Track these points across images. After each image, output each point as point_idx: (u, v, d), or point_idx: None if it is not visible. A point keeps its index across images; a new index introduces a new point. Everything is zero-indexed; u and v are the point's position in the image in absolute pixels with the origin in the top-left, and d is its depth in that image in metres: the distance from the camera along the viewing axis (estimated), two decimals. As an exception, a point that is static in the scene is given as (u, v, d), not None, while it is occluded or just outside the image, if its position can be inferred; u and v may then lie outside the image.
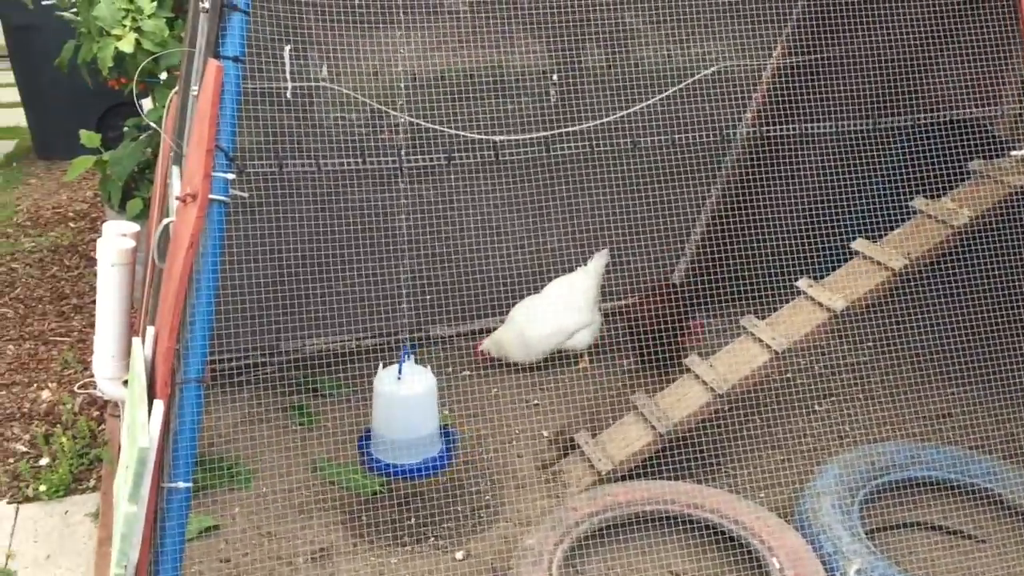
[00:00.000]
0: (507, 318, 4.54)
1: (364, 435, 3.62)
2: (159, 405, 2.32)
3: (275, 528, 3.55)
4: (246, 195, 2.57)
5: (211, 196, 2.44)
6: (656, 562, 3.30)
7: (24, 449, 4.20)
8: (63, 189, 7.55)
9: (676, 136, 3.67)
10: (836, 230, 4.35)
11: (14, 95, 8.24)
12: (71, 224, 6.83)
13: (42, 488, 3.90)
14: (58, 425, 4.33)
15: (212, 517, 3.58)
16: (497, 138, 3.10)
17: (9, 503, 3.88)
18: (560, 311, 4.49)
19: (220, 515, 3.61)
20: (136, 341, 2.60)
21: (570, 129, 3.39)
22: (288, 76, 2.70)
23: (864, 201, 4.44)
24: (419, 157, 3.03)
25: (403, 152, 3.05)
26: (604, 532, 3.34)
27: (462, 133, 3.07)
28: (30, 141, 8.34)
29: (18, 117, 8.50)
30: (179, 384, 2.43)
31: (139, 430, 2.26)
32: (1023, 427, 4.02)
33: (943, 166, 3.75)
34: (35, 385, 4.69)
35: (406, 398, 3.45)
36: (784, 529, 3.15)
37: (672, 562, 3.30)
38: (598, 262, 4.59)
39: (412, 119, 3.05)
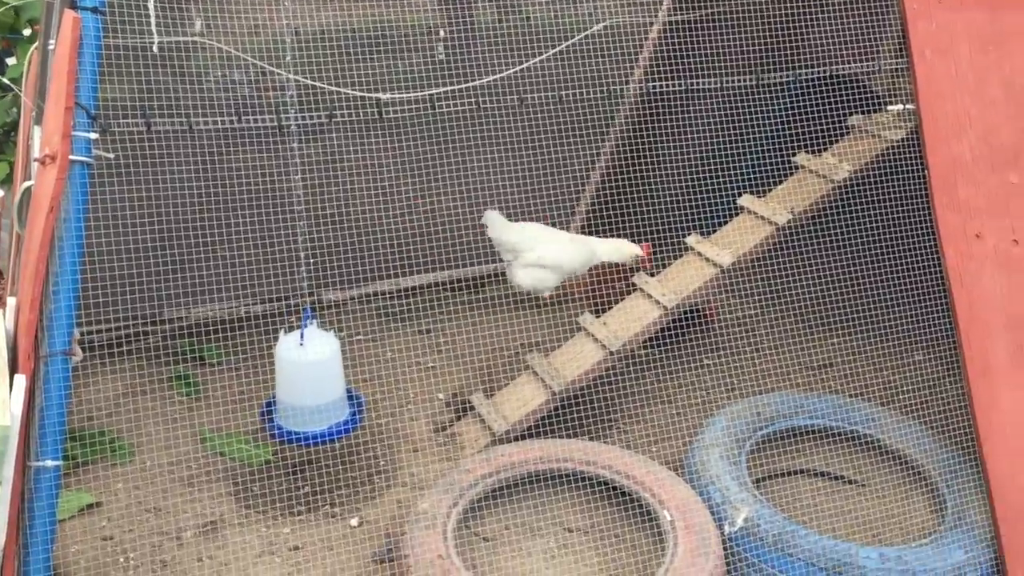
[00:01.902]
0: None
1: (267, 404, 3.51)
2: (20, 380, 2.19)
3: (160, 503, 3.43)
4: (112, 156, 2.42)
5: (71, 157, 2.30)
6: (551, 520, 3.32)
7: None
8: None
9: (564, 93, 3.63)
10: (725, 186, 4.41)
11: None
12: (-68, 190, 6.42)
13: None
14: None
15: (92, 494, 3.44)
16: (381, 95, 3.01)
17: None
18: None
19: (101, 492, 3.46)
20: (-6, 313, 2.45)
21: (457, 87, 3.31)
22: (154, 29, 2.55)
23: (751, 157, 4.51)
24: (300, 116, 2.92)
25: (286, 110, 2.92)
26: (499, 492, 3.33)
27: (345, 90, 2.96)
28: None
29: None
30: (43, 357, 2.30)
31: (0, 408, 2.13)
32: (900, 375, 4.18)
33: (824, 121, 3.83)
34: None
35: (311, 363, 3.35)
36: (675, 482, 3.20)
37: (567, 519, 3.32)
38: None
39: (294, 76, 2.93)
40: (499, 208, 4.33)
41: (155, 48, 2.52)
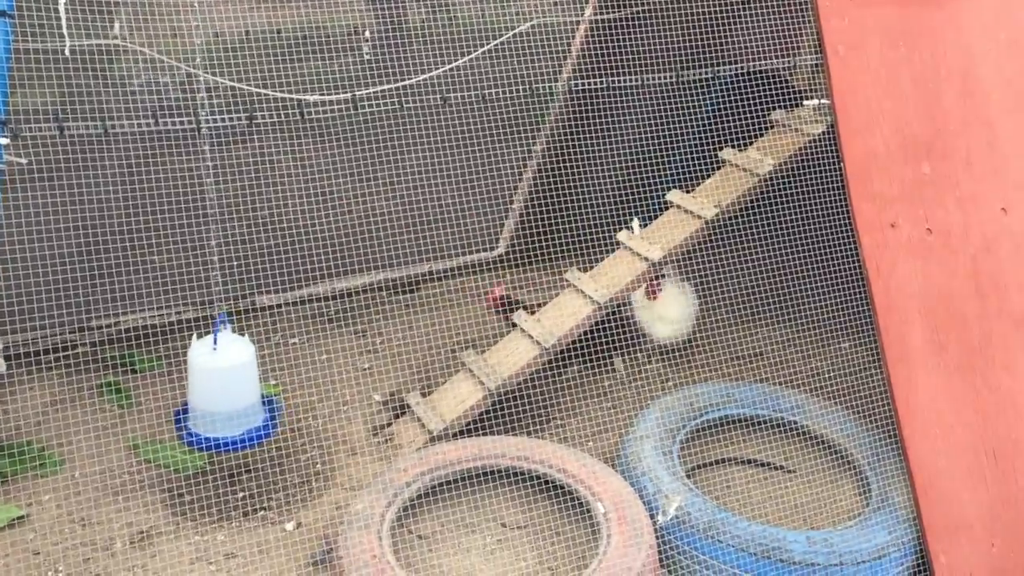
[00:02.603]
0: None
1: (180, 409, 3.46)
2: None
3: (90, 514, 3.37)
4: (25, 161, 2.38)
5: (-18, 163, 2.25)
6: (487, 516, 3.33)
7: None
8: None
9: (491, 92, 3.65)
10: (655, 182, 4.48)
11: None
12: None
13: None
14: None
15: (19, 507, 3.36)
16: (303, 96, 2.99)
17: None
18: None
19: (28, 504, 3.39)
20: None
21: (382, 89, 3.31)
22: (65, 32, 2.50)
23: (678, 153, 4.58)
24: (219, 118, 2.89)
25: (202, 113, 2.89)
26: (435, 491, 3.33)
27: (266, 92, 2.94)
28: None
29: None
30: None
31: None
32: (828, 363, 4.28)
33: (748, 117, 3.91)
34: None
35: (224, 369, 3.31)
36: (608, 474, 3.24)
37: (503, 514, 3.34)
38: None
39: (212, 77, 2.90)
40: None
41: (67, 51, 2.47)
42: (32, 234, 3.47)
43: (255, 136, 3.76)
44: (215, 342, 3.26)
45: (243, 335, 3.39)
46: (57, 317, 4.03)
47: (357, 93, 3.11)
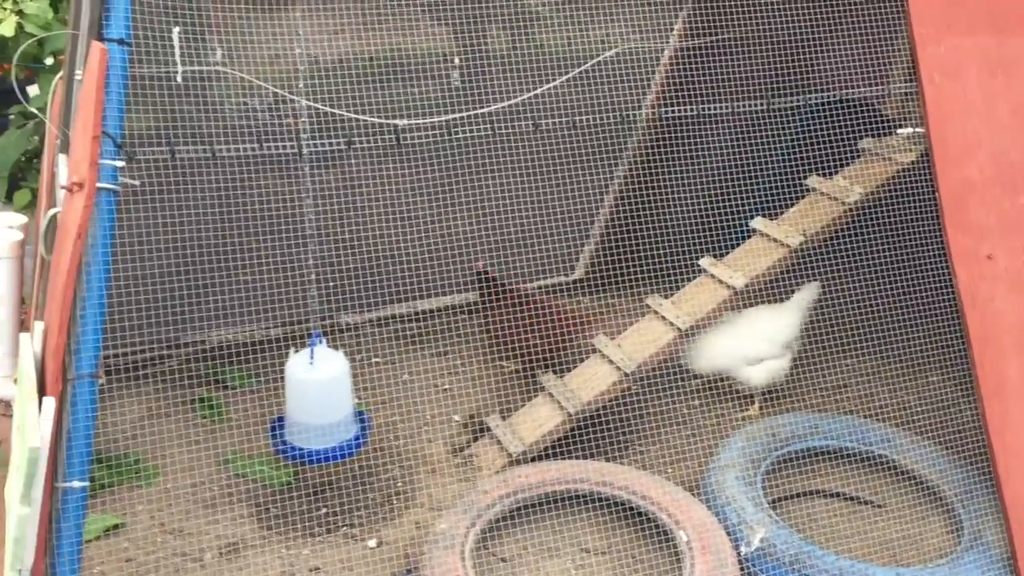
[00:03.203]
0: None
1: (275, 421, 3.55)
2: (49, 402, 2.24)
3: (182, 524, 3.47)
4: (137, 183, 2.49)
5: (99, 184, 2.36)
6: (568, 541, 3.34)
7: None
8: (-54, 181, 7.20)
9: (577, 119, 3.69)
10: (738, 209, 4.45)
11: None
12: (-44, 218, 6.51)
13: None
14: (-56, 428, 4.14)
15: (115, 516, 3.48)
16: (399, 122, 3.07)
17: None
18: (744, 336, 4.20)
19: (124, 513, 3.51)
20: (24, 337, 2.50)
21: (471, 113, 3.37)
22: (178, 59, 2.62)
23: (763, 180, 4.55)
24: (319, 142, 2.98)
25: (304, 137, 2.98)
26: (516, 513, 3.36)
27: (363, 117, 3.02)
28: (-91, 131, 7.92)
29: None
30: (71, 380, 2.35)
31: (29, 429, 2.18)
32: (915, 395, 4.18)
33: (836, 145, 3.87)
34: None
35: (319, 382, 3.40)
36: (691, 502, 3.22)
37: (584, 540, 3.34)
38: (805, 295, 4.29)
39: (312, 104, 2.99)
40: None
41: (179, 78, 2.58)
42: (132, 252, 3.61)
43: (349, 160, 3.86)
44: (312, 356, 3.35)
45: (338, 350, 3.46)
46: (154, 332, 4.19)
47: (449, 118, 3.17)
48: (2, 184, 4.81)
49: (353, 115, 2.94)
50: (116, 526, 3.44)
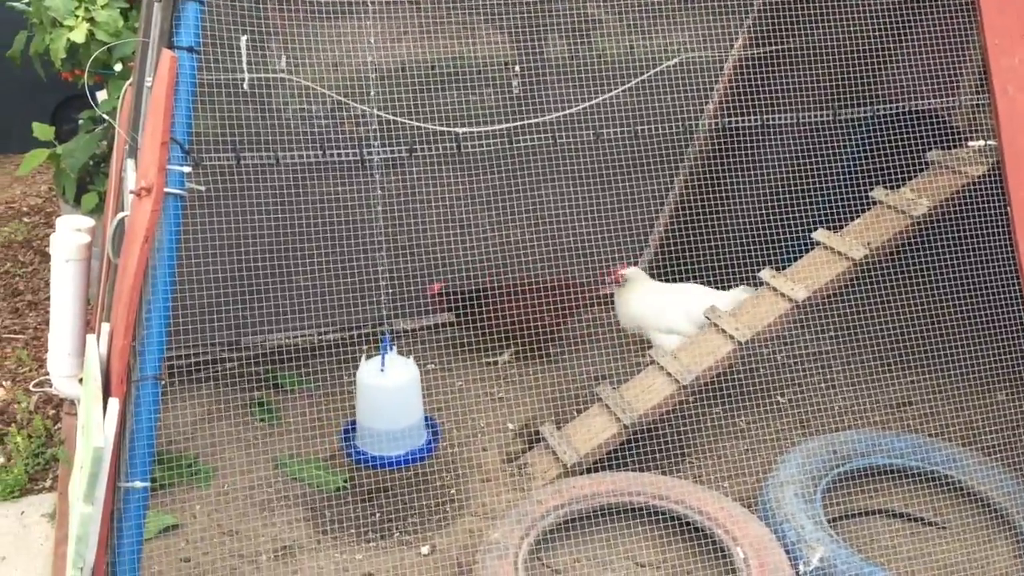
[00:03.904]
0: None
1: (347, 427, 3.58)
2: (114, 403, 2.28)
3: (237, 526, 3.51)
4: (203, 188, 2.52)
5: (166, 189, 2.39)
6: (622, 554, 3.30)
7: (-23, 449, 4.12)
8: (17, 183, 7.40)
9: (638, 128, 3.66)
10: (800, 220, 4.38)
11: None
12: (25, 219, 6.69)
13: (-4, 489, 3.83)
14: (12, 424, 4.25)
15: (172, 515, 3.53)
16: (460, 130, 3.07)
17: (-37, 505, 3.81)
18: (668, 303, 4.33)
19: (180, 513, 3.55)
20: (91, 338, 2.55)
21: (532, 121, 3.37)
22: (245, 67, 2.65)
23: (826, 191, 4.47)
24: (380, 149, 2.99)
25: (367, 144, 3.00)
26: (570, 525, 3.33)
27: (424, 124, 3.04)
28: (-18, 135, 8.16)
29: (-31, 110, 8.31)
30: (135, 382, 2.38)
31: (94, 429, 2.22)
32: (982, 415, 4.07)
33: (902, 156, 3.79)
34: (-12, 384, 4.61)
35: (391, 389, 3.42)
36: (748, 519, 3.17)
37: (638, 553, 3.31)
38: (740, 294, 4.29)
39: (374, 111, 3.01)
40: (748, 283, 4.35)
41: (245, 84, 2.61)
42: (192, 256, 3.66)
43: (409, 167, 3.88)
44: (383, 363, 3.36)
45: (408, 357, 3.48)
46: (213, 335, 4.24)
47: (509, 126, 3.17)
48: (71, 187, 4.91)
49: (414, 122, 2.95)
50: (173, 526, 3.49)
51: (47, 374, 3.62)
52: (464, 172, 4.17)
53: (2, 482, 3.84)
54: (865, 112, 3.69)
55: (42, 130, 5.04)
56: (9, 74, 7.02)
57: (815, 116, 3.65)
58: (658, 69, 3.84)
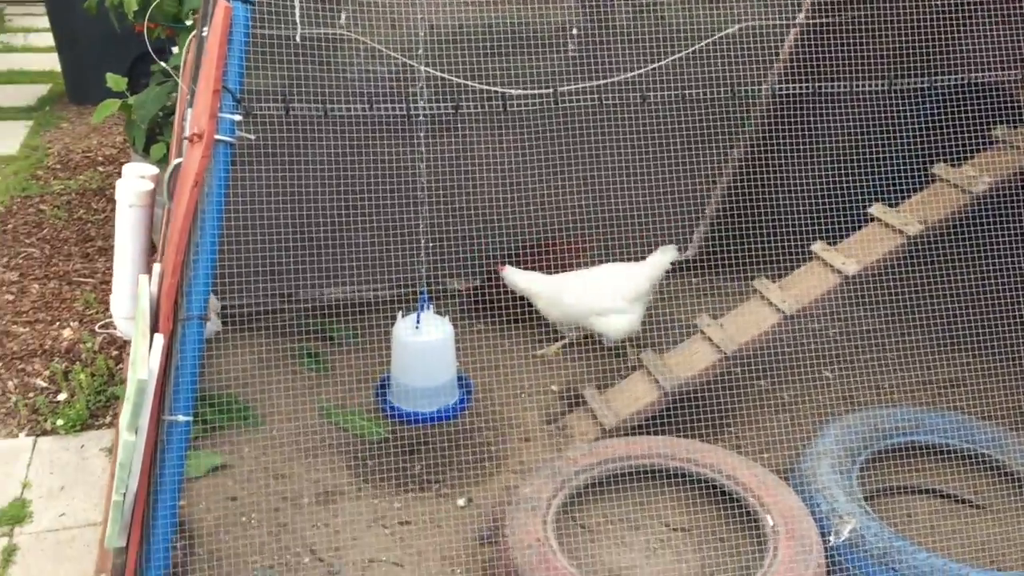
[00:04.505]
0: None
1: (382, 382, 3.67)
2: (159, 339, 2.38)
3: (283, 469, 3.63)
4: (253, 137, 2.60)
5: (216, 136, 2.47)
6: (652, 514, 3.34)
7: (44, 384, 4.31)
8: (94, 134, 7.65)
9: (690, 92, 3.63)
10: (857, 195, 4.31)
11: (49, 40, 8.33)
12: (100, 168, 6.93)
13: (59, 422, 4.01)
14: (77, 363, 4.44)
15: (222, 456, 3.67)
16: (510, 90, 3.10)
17: (27, 435, 4.00)
18: (599, 289, 4.31)
19: (230, 455, 3.69)
20: (143, 278, 2.65)
21: (584, 86, 3.37)
22: (298, 20, 2.72)
23: (885, 166, 4.39)
24: (429, 106, 3.04)
25: (416, 101, 3.05)
26: (602, 484, 3.37)
27: (470, 83, 3.07)
28: (63, 86, 8.44)
29: (53, 61, 8.60)
30: (181, 320, 2.48)
31: (139, 363, 2.32)
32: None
33: (967, 133, 3.70)
34: (57, 323, 4.80)
35: (424, 346, 3.49)
36: (780, 487, 3.17)
37: (668, 516, 3.34)
38: (660, 257, 4.36)
39: (427, 69, 3.05)
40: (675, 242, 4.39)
41: (297, 38, 2.68)
42: (254, 208, 3.76)
43: (459, 126, 3.91)
44: (418, 320, 3.43)
45: (443, 316, 3.54)
46: (270, 287, 4.37)
47: (558, 89, 3.18)
48: (140, 137, 5.07)
49: (461, 80, 2.99)
50: (223, 466, 3.63)
51: (112, 316, 3.78)
52: (516, 134, 4.19)
53: (65, 416, 4.03)
54: (924, 83, 3.60)
55: (115, 81, 5.21)
56: (90, 28, 7.28)
57: (872, 86, 3.58)
58: (718, 36, 3.80)
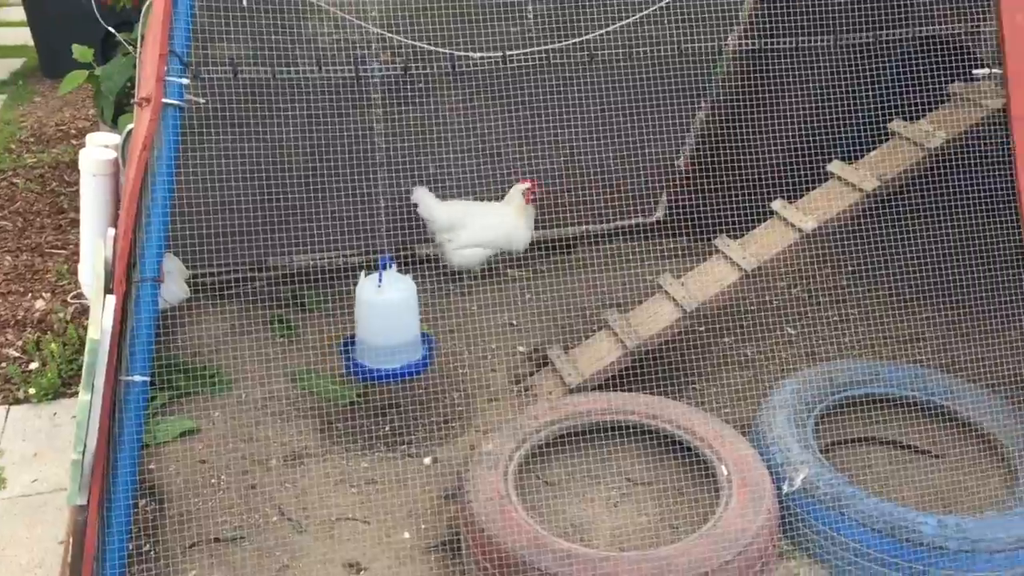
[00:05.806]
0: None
1: (346, 341, 3.71)
2: (111, 300, 2.42)
3: (252, 432, 3.68)
4: (202, 101, 2.62)
5: (164, 100, 2.50)
6: (613, 469, 3.40)
7: (16, 354, 4.34)
8: (67, 107, 7.63)
9: (639, 51, 3.65)
10: (822, 152, 4.34)
11: (23, 14, 8.28)
12: (73, 141, 6.91)
13: (32, 391, 4.05)
14: (49, 332, 4.47)
15: (192, 421, 3.71)
16: (460, 53, 3.11)
17: (0, 405, 4.04)
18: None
19: (200, 420, 3.73)
20: (98, 242, 2.69)
21: (551, 48, 3.38)
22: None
23: (848, 122, 4.42)
24: (375, 68, 3.06)
25: (370, 65, 3.07)
26: (563, 440, 3.43)
27: (420, 44, 3.08)
28: (37, 60, 8.40)
29: (27, 36, 8.55)
30: (135, 283, 2.52)
31: (92, 323, 2.36)
32: (992, 351, 4.05)
33: (925, 88, 3.73)
34: (30, 295, 4.83)
35: (386, 304, 3.53)
36: (737, 440, 3.23)
37: (629, 470, 3.40)
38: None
39: (378, 30, 3.07)
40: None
41: (244, 2, 2.69)
42: (221, 176, 3.78)
43: (416, 91, 3.92)
44: (380, 279, 3.47)
45: (406, 274, 3.57)
46: (243, 254, 4.39)
47: (509, 54, 3.20)
48: (109, 108, 5.08)
49: (413, 42, 3.00)
50: (192, 431, 3.67)
51: (81, 286, 3.81)
52: (480, 97, 4.20)
53: (37, 385, 4.06)
54: (871, 38, 3.62)
55: (81, 52, 5.20)
56: (62, 2, 7.25)
57: (827, 42, 3.61)
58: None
